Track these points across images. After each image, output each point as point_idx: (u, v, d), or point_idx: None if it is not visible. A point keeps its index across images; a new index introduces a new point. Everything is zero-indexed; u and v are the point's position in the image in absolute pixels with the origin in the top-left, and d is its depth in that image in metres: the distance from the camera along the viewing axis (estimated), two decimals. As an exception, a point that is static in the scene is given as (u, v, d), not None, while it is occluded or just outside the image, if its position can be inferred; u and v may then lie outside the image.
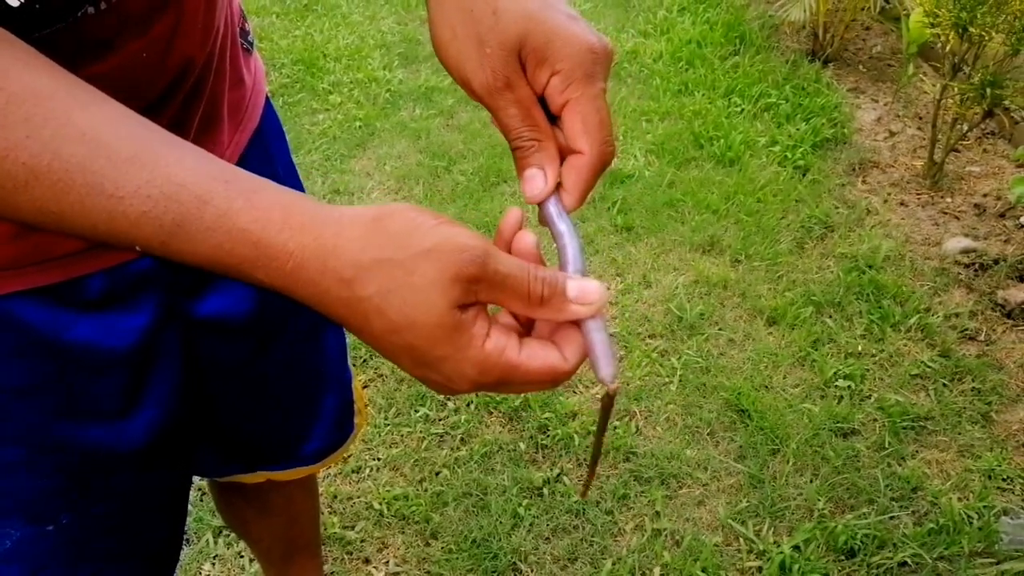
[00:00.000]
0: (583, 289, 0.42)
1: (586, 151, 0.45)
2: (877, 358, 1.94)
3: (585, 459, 1.67)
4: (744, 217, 2.42)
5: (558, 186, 0.46)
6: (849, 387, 1.85)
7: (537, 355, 0.41)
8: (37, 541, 0.66)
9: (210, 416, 0.78)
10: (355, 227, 0.40)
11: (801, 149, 2.74)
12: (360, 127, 2.80)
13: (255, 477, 0.91)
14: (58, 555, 0.68)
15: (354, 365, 1.86)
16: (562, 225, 0.45)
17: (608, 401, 0.43)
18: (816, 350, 1.96)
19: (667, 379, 1.87)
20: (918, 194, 2.58)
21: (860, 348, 1.96)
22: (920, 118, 2.98)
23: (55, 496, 0.66)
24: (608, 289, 0.45)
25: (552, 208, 0.46)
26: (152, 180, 0.38)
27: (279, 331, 0.77)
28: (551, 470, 1.64)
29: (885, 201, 2.54)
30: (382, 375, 1.85)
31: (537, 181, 0.46)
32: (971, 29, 2.18)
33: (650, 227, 2.38)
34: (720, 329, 2.02)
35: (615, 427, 1.74)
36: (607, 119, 0.45)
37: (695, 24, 3.63)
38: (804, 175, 2.65)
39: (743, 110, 3.00)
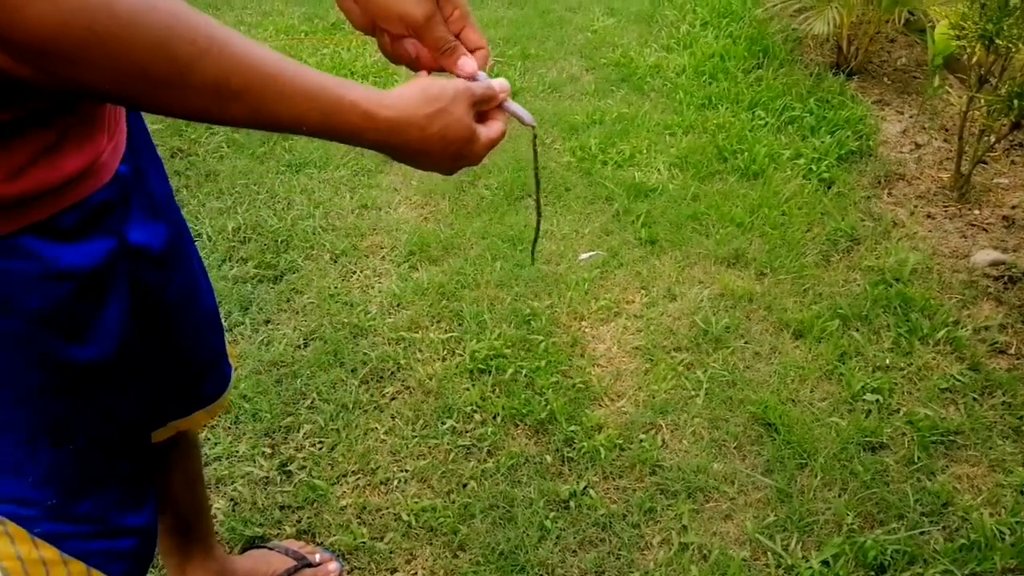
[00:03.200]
0: (502, 86, 0.76)
1: (484, 46, 0.78)
2: (905, 372, 1.93)
3: (611, 472, 1.68)
4: (769, 230, 2.42)
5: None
6: (877, 401, 1.84)
7: (492, 126, 0.75)
8: (63, 463, 0.74)
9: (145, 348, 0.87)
10: (413, 98, 0.66)
11: (826, 162, 2.74)
12: (386, 143, 2.84)
13: (165, 432, 1.02)
14: (79, 476, 0.76)
15: (380, 379, 1.89)
16: (485, 79, 0.77)
17: (534, 140, 0.84)
18: (843, 364, 1.95)
19: (693, 392, 1.87)
20: (945, 206, 2.56)
21: (888, 362, 1.95)
22: (946, 130, 2.96)
23: (72, 417, 0.74)
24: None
25: (480, 77, 0.77)
26: (310, 86, 0.59)
27: (181, 265, 0.92)
28: (577, 483, 1.65)
29: (912, 213, 2.52)
30: (409, 387, 1.87)
31: (470, 62, 0.77)
32: (998, 41, 2.17)
33: (674, 240, 2.38)
34: (746, 342, 2.02)
35: (641, 440, 1.75)
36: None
37: (718, 38, 3.64)
38: (829, 188, 2.64)
39: (767, 123, 3.00)
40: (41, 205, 0.65)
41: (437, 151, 0.68)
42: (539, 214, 0.92)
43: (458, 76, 0.75)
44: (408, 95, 0.66)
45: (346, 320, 2.05)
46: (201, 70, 0.54)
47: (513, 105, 0.78)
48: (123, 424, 0.82)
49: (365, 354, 1.95)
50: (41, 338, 0.69)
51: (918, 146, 2.89)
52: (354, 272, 2.25)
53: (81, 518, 0.77)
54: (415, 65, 0.78)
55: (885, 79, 3.40)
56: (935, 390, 1.87)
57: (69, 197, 0.68)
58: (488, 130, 0.73)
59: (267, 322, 2.05)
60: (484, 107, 0.74)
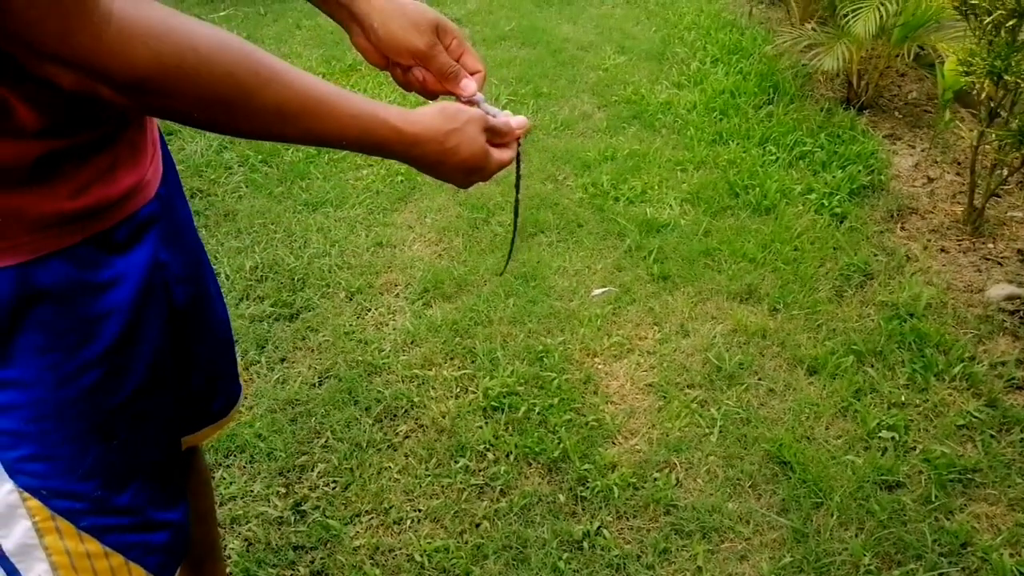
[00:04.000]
0: (519, 123, 0.86)
1: (482, 69, 0.89)
2: (921, 408, 1.91)
3: (625, 512, 1.67)
4: (782, 265, 2.43)
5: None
6: (893, 438, 1.82)
7: (506, 151, 0.85)
8: (107, 457, 0.79)
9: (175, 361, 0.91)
10: (434, 118, 0.76)
11: (838, 197, 2.74)
12: (402, 181, 2.88)
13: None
14: (120, 469, 0.81)
15: (394, 417, 1.90)
16: (485, 104, 0.86)
17: (518, 155, 0.88)
18: (858, 400, 1.94)
19: (707, 430, 1.87)
20: (959, 240, 2.55)
21: (903, 398, 1.94)
22: (959, 163, 2.96)
23: (117, 414, 0.79)
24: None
25: (478, 97, 0.87)
26: (353, 108, 0.70)
27: (199, 284, 0.97)
28: (591, 523, 1.64)
29: (925, 248, 2.52)
30: (422, 425, 1.88)
31: (471, 84, 0.87)
32: (1006, 77, 2.19)
33: (687, 276, 2.39)
34: (760, 379, 2.02)
35: (655, 479, 1.74)
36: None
37: (728, 75, 3.68)
38: (841, 222, 2.65)
39: (778, 158, 3.02)
40: (101, 219, 0.73)
41: (452, 163, 0.79)
42: (516, 226, 1.02)
43: (460, 96, 0.86)
44: (429, 113, 0.77)
45: (360, 358, 2.07)
46: (264, 97, 0.65)
47: (496, 111, 0.89)
48: (156, 421, 0.87)
49: (379, 392, 1.96)
50: (99, 340, 0.74)
51: (930, 180, 2.90)
52: (369, 310, 2.27)
53: (121, 510, 0.81)
54: (425, 91, 0.89)
55: (896, 113, 3.41)
56: (952, 427, 1.85)
57: (122, 211, 0.76)
58: (500, 153, 0.84)
59: (283, 360, 2.07)
60: (499, 139, 0.84)
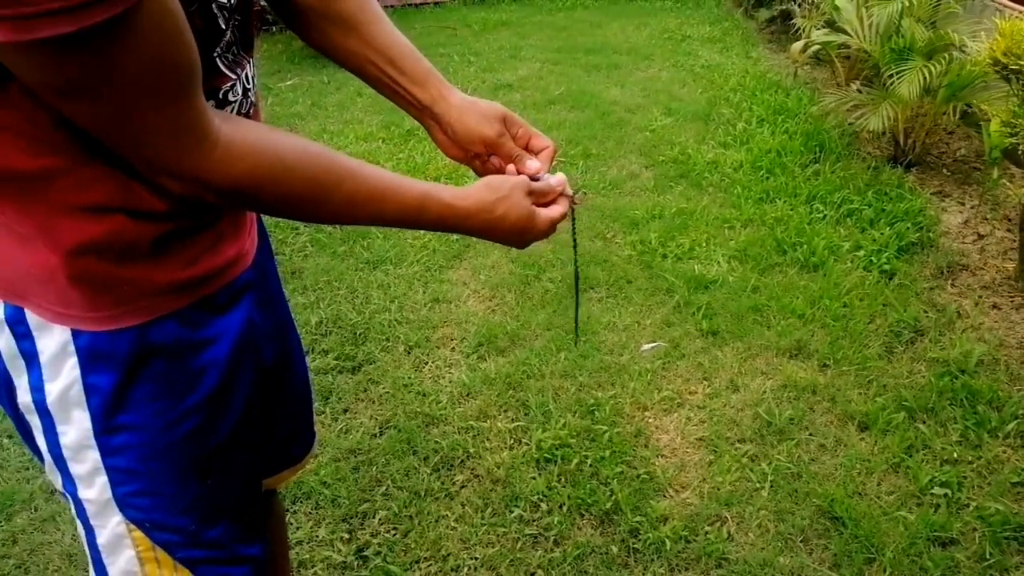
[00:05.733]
0: (559, 181, 0.95)
1: (550, 144, 0.98)
2: (975, 465, 1.91)
3: (677, 564, 1.71)
4: (831, 322, 2.46)
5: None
6: (946, 495, 1.82)
7: (553, 208, 0.93)
8: (202, 493, 0.88)
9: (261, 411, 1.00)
10: (481, 191, 0.86)
11: (886, 253, 2.77)
12: (456, 240, 3.01)
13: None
14: (212, 505, 0.89)
15: (451, 467, 1.97)
16: (547, 177, 0.95)
17: (571, 211, 0.97)
18: (910, 456, 1.94)
19: (758, 484, 1.90)
20: (1011, 296, 2.55)
21: (956, 455, 1.94)
22: (1009, 220, 2.97)
23: (213, 453, 0.87)
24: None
25: (542, 174, 0.95)
26: (411, 192, 0.81)
27: (285, 339, 1.07)
28: (643, 575, 1.68)
29: (976, 304, 2.52)
30: (478, 475, 1.95)
31: (534, 163, 0.95)
32: (1051, 137, 2.22)
33: (736, 332, 2.44)
34: (810, 434, 2.04)
35: (706, 532, 1.77)
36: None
37: (774, 134, 3.76)
38: (891, 279, 2.67)
39: (825, 216, 3.06)
40: (207, 285, 0.84)
41: (503, 228, 0.88)
42: (577, 290, 1.12)
43: (527, 173, 0.96)
44: (477, 188, 0.87)
45: (419, 409, 2.16)
46: (339, 193, 0.77)
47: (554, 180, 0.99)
48: (245, 463, 0.96)
49: (436, 442, 2.04)
50: (199, 390, 0.84)
51: (981, 236, 2.91)
52: (426, 363, 2.37)
53: (212, 544, 0.90)
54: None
55: (944, 170, 3.44)
56: (1006, 484, 1.84)
57: (225, 278, 0.86)
58: (549, 211, 0.92)
59: (345, 411, 2.18)
60: (544, 199, 0.93)
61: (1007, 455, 1.94)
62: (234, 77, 0.79)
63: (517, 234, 0.89)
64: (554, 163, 0.97)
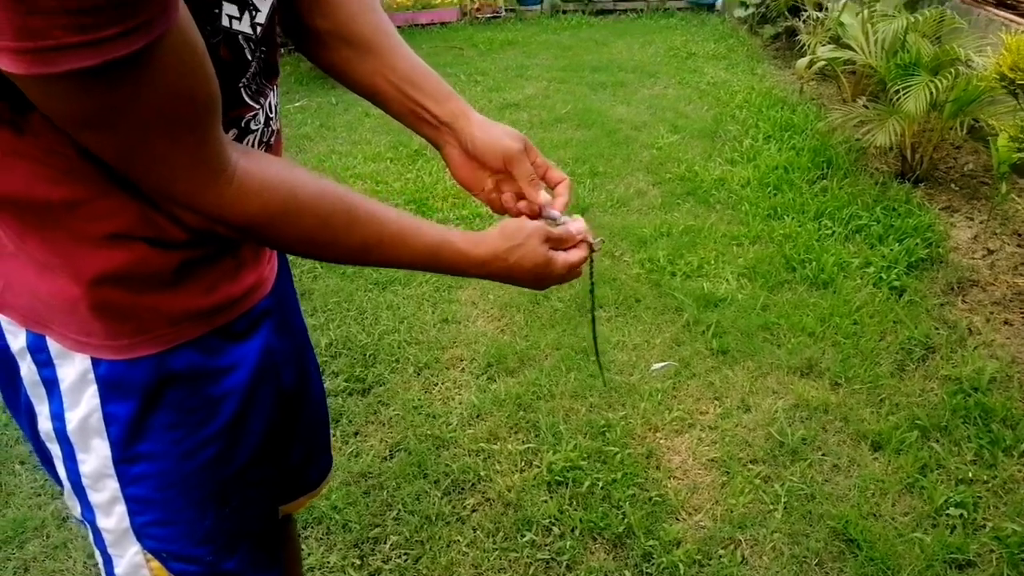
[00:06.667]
0: (578, 229, 0.92)
1: (565, 179, 0.98)
2: (990, 485, 1.89)
3: (690, 587, 1.69)
4: (841, 339, 2.45)
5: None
6: (962, 516, 1.80)
7: (572, 253, 0.91)
8: (219, 523, 0.88)
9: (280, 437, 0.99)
10: (496, 239, 0.85)
11: (896, 270, 2.76)
12: (465, 260, 3.01)
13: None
14: (229, 535, 0.89)
15: (462, 490, 1.97)
16: (556, 215, 0.94)
17: (591, 263, 0.97)
18: (924, 476, 1.93)
19: (771, 506, 1.88)
20: (1023, 313, 2.54)
21: (971, 474, 1.92)
22: (1019, 235, 2.96)
23: (230, 483, 0.87)
24: (599, 240, 0.96)
25: (550, 209, 0.94)
26: (426, 238, 0.81)
27: (302, 364, 1.06)
28: (657, 598, 1.66)
29: (988, 320, 2.51)
30: (489, 499, 1.94)
31: (545, 195, 0.95)
32: (1060, 153, 2.22)
33: (746, 350, 2.43)
34: (823, 454, 2.03)
35: (720, 556, 1.76)
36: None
37: (781, 151, 3.77)
38: (901, 296, 2.66)
39: (834, 232, 3.06)
40: (226, 313, 0.84)
41: (519, 275, 0.87)
42: (595, 337, 1.11)
43: (536, 202, 0.96)
44: (492, 235, 0.86)
45: (429, 432, 2.16)
46: (351, 234, 0.77)
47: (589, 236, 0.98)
48: (262, 490, 0.96)
49: (447, 465, 2.04)
50: (218, 418, 0.84)
51: (990, 252, 2.89)
52: (436, 384, 2.37)
53: (228, 573, 0.90)
54: (501, 208, 1.00)
55: (952, 185, 3.43)
56: (1023, 505, 1.82)
57: (243, 306, 0.87)
58: (568, 256, 0.90)
59: (356, 434, 2.18)
60: (562, 245, 0.91)
61: (1022, 474, 1.92)
62: (257, 107, 0.80)
63: (534, 280, 0.89)
64: (572, 188, 0.97)
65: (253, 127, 0.80)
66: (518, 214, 0.96)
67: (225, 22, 0.70)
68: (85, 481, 0.82)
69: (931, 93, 3.02)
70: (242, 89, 0.76)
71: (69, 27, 0.51)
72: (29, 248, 0.72)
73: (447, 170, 0.99)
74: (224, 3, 0.69)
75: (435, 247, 0.81)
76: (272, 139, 0.86)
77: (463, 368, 2.44)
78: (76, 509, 0.86)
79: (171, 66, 0.58)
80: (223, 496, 0.88)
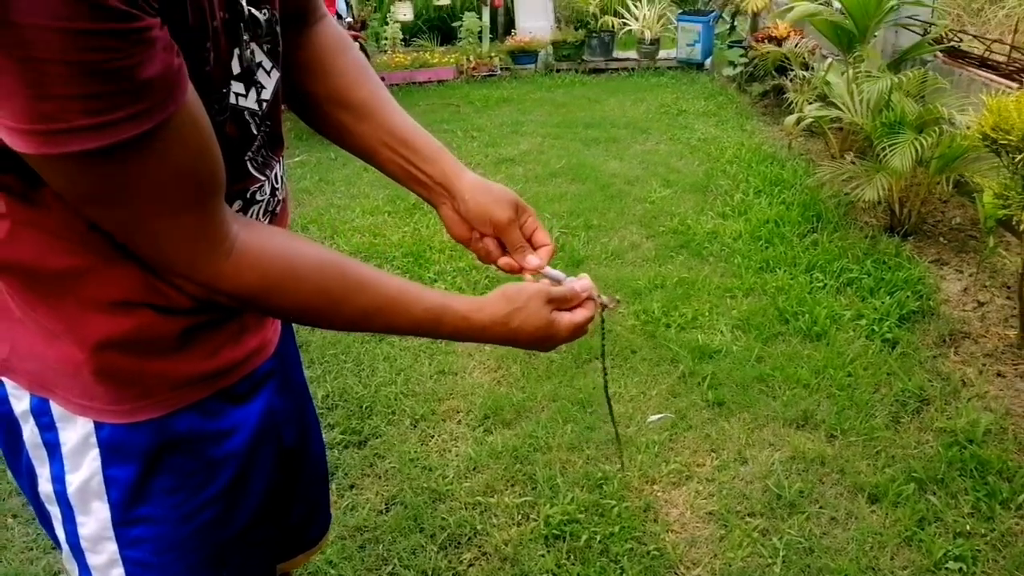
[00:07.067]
0: (583, 286, 0.91)
1: (549, 243, 0.97)
2: (988, 538, 1.89)
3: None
4: (836, 391, 2.46)
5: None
6: (961, 569, 1.80)
7: (578, 312, 0.90)
8: None
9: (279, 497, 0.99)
10: (497, 303, 0.84)
11: (888, 322, 2.80)
12: (461, 312, 3.03)
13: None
14: None
15: (458, 544, 1.95)
16: (551, 272, 0.95)
17: (602, 323, 0.97)
18: (923, 529, 1.92)
19: (770, 560, 1.87)
20: (1015, 364, 2.56)
21: (969, 527, 1.92)
22: (1008, 287, 3.00)
23: (227, 547, 0.88)
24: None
25: (546, 269, 0.95)
26: (426, 304, 0.80)
27: (303, 422, 1.06)
28: (656, 655, 1.64)
29: (980, 372, 2.53)
30: (486, 553, 1.92)
31: (535, 259, 0.95)
32: (1044, 208, 2.27)
33: (742, 402, 2.44)
34: (821, 507, 2.02)
35: (719, 610, 1.74)
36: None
37: (772, 205, 3.84)
38: (893, 348, 2.69)
39: (826, 285, 3.10)
40: (228, 376, 0.85)
41: (522, 339, 0.86)
42: (610, 405, 1.07)
43: (524, 267, 0.97)
44: (493, 299, 0.85)
45: (425, 485, 2.15)
46: (351, 304, 0.77)
47: (594, 294, 0.96)
48: (261, 550, 0.95)
49: (443, 519, 2.02)
50: (217, 482, 0.84)
51: (981, 304, 2.93)
52: (432, 436, 2.37)
53: None
54: (492, 261, 1.01)
55: (941, 239, 3.49)
56: (1022, 558, 1.82)
57: (246, 369, 0.87)
58: (572, 316, 0.89)
59: (352, 487, 2.16)
60: (565, 304, 0.89)
61: (1021, 527, 1.91)
62: (263, 179, 0.82)
63: (537, 343, 0.87)
64: (553, 255, 0.97)
65: (259, 198, 0.82)
66: (509, 268, 0.97)
67: (232, 100, 0.73)
68: (84, 544, 0.82)
69: (917, 150, 3.10)
70: (248, 162, 0.78)
71: (80, 111, 0.53)
72: (36, 315, 0.74)
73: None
74: (232, 82, 0.72)
75: (436, 313, 0.81)
76: (278, 208, 0.87)
77: (459, 420, 2.44)
78: (74, 571, 0.85)
79: (177, 145, 0.61)
80: (221, 558, 0.88)
